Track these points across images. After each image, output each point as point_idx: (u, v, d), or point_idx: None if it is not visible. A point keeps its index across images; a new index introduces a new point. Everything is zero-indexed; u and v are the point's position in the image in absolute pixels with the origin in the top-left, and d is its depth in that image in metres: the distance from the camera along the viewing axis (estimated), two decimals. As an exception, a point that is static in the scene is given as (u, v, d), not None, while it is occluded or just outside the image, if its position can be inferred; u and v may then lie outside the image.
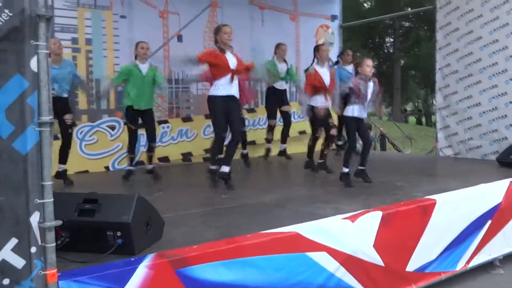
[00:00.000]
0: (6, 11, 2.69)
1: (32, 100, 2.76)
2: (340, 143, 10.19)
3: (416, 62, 26.50)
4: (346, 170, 6.46)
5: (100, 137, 8.38)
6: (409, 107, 52.49)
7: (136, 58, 6.98)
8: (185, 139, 9.30)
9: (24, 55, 2.75)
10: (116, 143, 8.54)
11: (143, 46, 6.95)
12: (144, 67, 6.92)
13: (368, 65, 6.54)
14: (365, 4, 28.04)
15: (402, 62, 28.20)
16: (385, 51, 29.98)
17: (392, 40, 28.91)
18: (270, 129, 8.94)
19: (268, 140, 9.05)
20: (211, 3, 9.70)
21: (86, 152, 8.08)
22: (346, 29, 14.79)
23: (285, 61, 8.72)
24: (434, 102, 27.17)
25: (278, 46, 8.81)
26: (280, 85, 8.70)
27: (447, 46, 9.25)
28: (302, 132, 10.48)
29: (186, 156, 9.35)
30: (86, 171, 7.96)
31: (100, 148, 8.36)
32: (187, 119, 9.43)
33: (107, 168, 8.49)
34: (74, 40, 8.20)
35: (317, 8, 11.29)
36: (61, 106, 6.68)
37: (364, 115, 6.57)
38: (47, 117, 2.78)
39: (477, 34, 8.67)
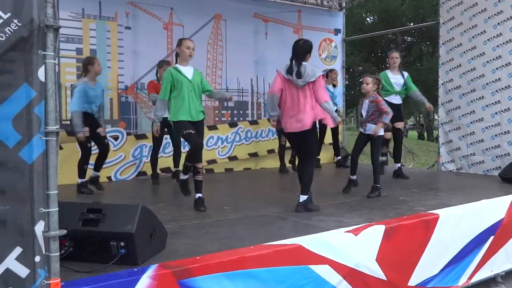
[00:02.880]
0: (15, 21, 2.70)
1: (39, 110, 2.77)
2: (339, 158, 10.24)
3: (418, 76, 26.46)
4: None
5: (103, 147, 8.40)
6: (410, 121, 52.47)
7: (177, 60, 5.97)
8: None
9: (32, 65, 2.76)
10: (119, 153, 8.56)
11: (189, 45, 5.84)
12: (188, 71, 5.87)
13: (363, 81, 6.76)
14: (368, 19, 28.11)
15: (404, 76, 28.24)
16: (387, 65, 30.06)
17: (394, 54, 28.97)
18: (385, 142, 8.17)
19: (382, 154, 8.19)
20: (215, 15, 9.76)
21: (89, 162, 8.06)
22: (348, 43, 14.88)
23: (401, 72, 8.23)
24: (435, 117, 27.15)
25: (389, 56, 8.45)
26: (395, 99, 8.10)
27: (450, 61, 9.28)
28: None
29: (188, 168, 9.34)
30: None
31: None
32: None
33: (109, 178, 8.50)
34: (79, 51, 8.24)
35: (320, 22, 11.36)
36: (93, 121, 6.98)
37: (367, 131, 6.69)
38: (53, 127, 2.79)
39: (480, 50, 8.72)
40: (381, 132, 6.66)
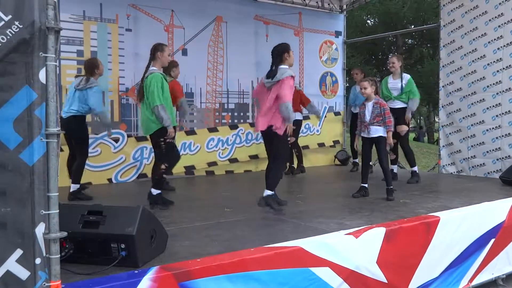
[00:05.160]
0: (16, 23, 2.70)
1: (40, 112, 2.77)
2: (356, 160, 10.15)
3: (419, 79, 26.46)
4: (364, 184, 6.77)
5: (103, 149, 8.39)
6: (411, 123, 52.35)
7: (154, 65, 6.14)
8: (188, 152, 9.31)
9: (33, 67, 2.76)
10: (120, 155, 8.55)
11: (170, 52, 6.31)
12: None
13: (361, 87, 6.75)
14: (368, 21, 28.10)
15: (405, 79, 28.19)
16: (388, 67, 30.04)
17: (395, 57, 28.98)
18: (391, 148, 8.07)
19: (392, 161, 8.39)
20: (216, 17, 9.76)
21: (89, 164, 8.05)
22: (349, 45, 14.89)
23: (401, 76, 8.06)
24: (436, 119, 27.15)
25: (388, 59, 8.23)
26: (393, 104, 7.92)
27: (451, 63, 9.28)
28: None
29: (189, 169, 9.36)
30: (89, 183, 7.94)
31: (103, 160, 8.37)
32: (190, 132, 9.45)
33: (109, 180, 8.50)
34: (80, 53, 8.25)
35: (321, 24, 11.36)
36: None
37: (371, 134, 6.64)
38: (54, 129, 2.79)
39: (481, 52, 8.71)
40: (385, 134, 6.64)
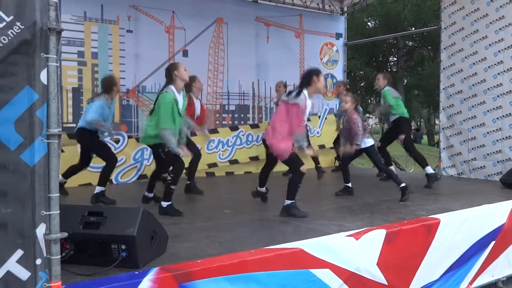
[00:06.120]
0: (18, 24, 2.71)
1: (41, 113, 2.77)
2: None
3: (419, 81, 26.47)
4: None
5: (104, 150, 8.38)
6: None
7: (174, 84, 5.86)
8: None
9: (35, 67, 2.76)
10: (120, 157, 8.52)
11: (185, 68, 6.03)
12: (180, 97, 5.97)
13: (342, 100, 6.89)
14: (369, 23, 28.12)
15: (406, 81, 28.17)
16: (389, 70, 29.99)
17: (395, 59, 28.98)
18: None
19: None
20: (217, 19, 9.76)
21: (90, 164, 8.06)
22: (350, 47, 14.89)
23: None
24: (437, 121, 27.15)
25: None
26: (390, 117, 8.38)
27: (452, 66, 9.28)
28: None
29: (189, 171, 9.34)
30: (90, 184, 7.95)
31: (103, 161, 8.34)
32: (190, 133, 9.42)
33: (110, 181, 8.47)
34: (80, 54, 8.25)
35: (322, 26, 11.37)
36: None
37: (361, 146, 6.68)
38: (55, 129, 2.79)
39: (481, 55, 8.71)
40: (371, 143, 6.70)
